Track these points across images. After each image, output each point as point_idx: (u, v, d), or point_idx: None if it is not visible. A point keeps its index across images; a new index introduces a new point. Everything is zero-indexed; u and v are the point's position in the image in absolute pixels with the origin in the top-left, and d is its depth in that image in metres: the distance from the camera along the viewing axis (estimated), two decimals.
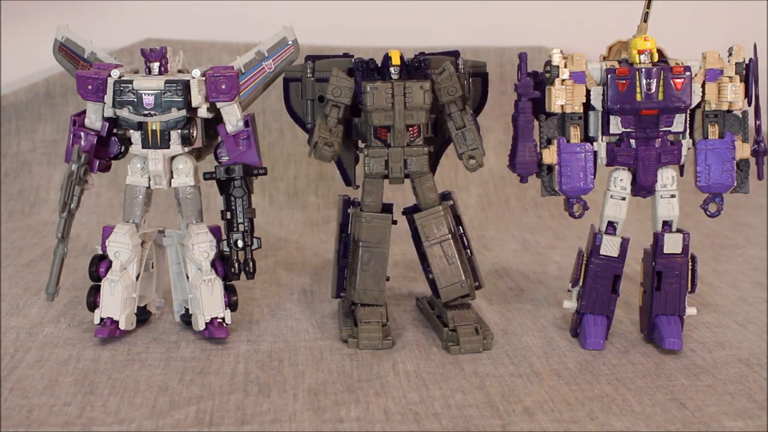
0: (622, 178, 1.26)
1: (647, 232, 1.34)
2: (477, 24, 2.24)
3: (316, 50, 1.56)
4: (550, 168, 1.27)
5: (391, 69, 1.27)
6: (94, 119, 1.27)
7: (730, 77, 1.23)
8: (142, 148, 1.26)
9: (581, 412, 1.10)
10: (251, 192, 1.27)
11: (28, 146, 2.09)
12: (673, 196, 1.26)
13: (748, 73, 1.23)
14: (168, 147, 1.26)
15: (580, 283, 1.29)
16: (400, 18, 2.21)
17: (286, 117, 1.44)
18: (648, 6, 1.27)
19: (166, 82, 1.23)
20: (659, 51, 1.24)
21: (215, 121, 1.29)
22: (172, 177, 1.29)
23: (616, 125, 1.24)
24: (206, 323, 1.29)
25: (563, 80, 1.23)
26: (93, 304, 1.28)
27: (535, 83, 1.25)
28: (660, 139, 1.24)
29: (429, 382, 1.17)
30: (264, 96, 1.42)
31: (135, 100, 1.23)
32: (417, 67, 1.27)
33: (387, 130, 1.28)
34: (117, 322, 1.27)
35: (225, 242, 1.28)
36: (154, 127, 1.24)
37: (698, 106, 1.25)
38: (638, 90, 1.21)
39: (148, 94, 1.23)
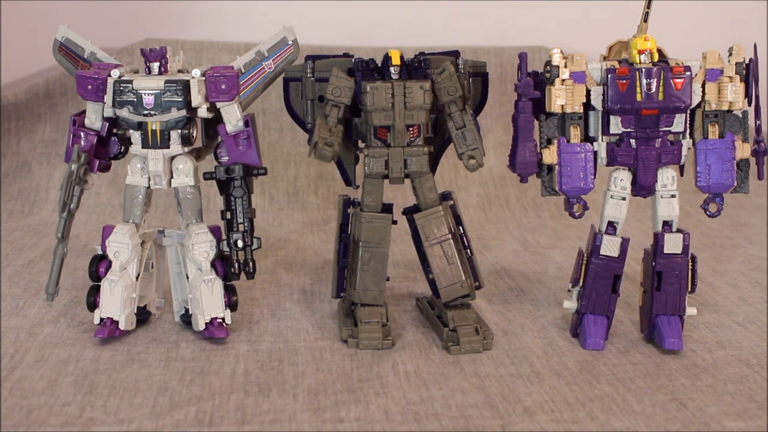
0: (622, 178, 1.26)
1: (647, 232, 1.34)
2: (477, 24, 2.24)
3: (316, 50, 1.56)
4: (550, 168, 1.27)
5: (391, 69, 1.27)
6: (93, 119, 1.27)
7: (730, 77, 1.23)
8: (142, 148, 1.26)
9: (581, 412, 1.10)
10: (251, 192, 1.27)
11: (28, 146, 2.09)
12: (673, 196, 1.26)
13: (748, 73, 1.23)
14: (168, 147, 1.26)
15: (580, 283, 1.29)
16: (400, 18, 2.21)
17: (286, 117, 1.44)
18: (648, 6, 1.27)
19: (166, 82, 1.23)
20: (659, 51, 1.24)
21: (215, 121, 1.29)
22: (172, 177, 1.29)
23: (616, 125, 1.24)
24: (206, 323, 1.29)
25: (563, 80, 1.23)
26: (93, 304, 1.28)
27: (535, 83, 1.25)
28: (660, 139, 1.24)
29: (429, 382, 1.17)
30: (264, 96, 1.42)
31: (135, 100, 1.23)
32: (417, 67, 1.27)
33: (387, 130, 1.28)
34: (117, 322, 1.27)
35: (225, 242, 1.27)
36: (154, 127, 1.24)
37: (698, 106, 1.25)
38: (638, 90, 1.21)
39: (148, 94, 1.23)
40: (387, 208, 1.33)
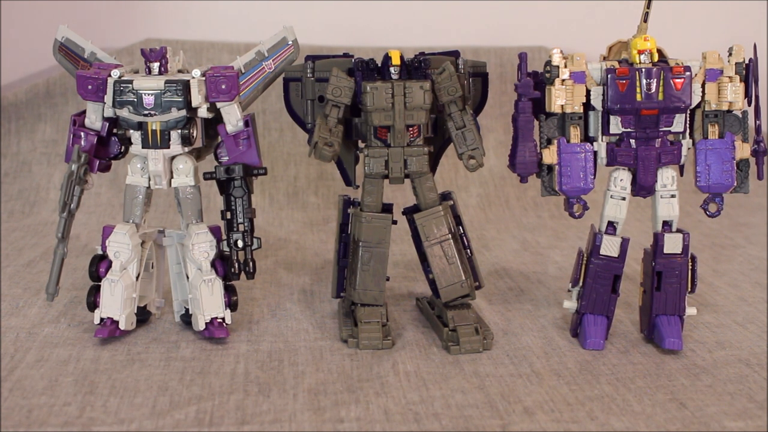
0: (622, 178, 1.26)
1: (647, 232, 1.34)
2: (477, 24, 2.24)
3: (316, 50, 1.56)
4: (550, 168, 1.27)
5: (391, 69, 1.27)
6: (94, 119, 1.27)
7: (730, 77, 1.23)
8: (142, 148, 1.26)
9: (581, 412, 1.10)
10: (251, 192, 1.27)
11: (28, 146, 2.09)
12: (673, 196, 1.26)
13: (748, 73, 1.23)
14: (168, 147, 1.26)
15: (580, 283, 1.29)
16: (400, 18, 2.21)
17: (286, 117, 1.44)
18: (648, 6, 1.27)
19: (166, 82, 1.23)
20: (659, 51, 1.24)
21: (215, 121, 1.29)
22: (172, 177, 1.29)
23: (616, 125, 1.24)
24: (206, 323, 1.29)
25: (563, 80, 1.23)
26: (93, 304, 1.28)
27: (535, 83, 1.25)
28: (660, 139, 1.24)
29: (429, 382, 1.17)
30: (264, 96, 1.42)
31: (135, 100, 1.23)
32: (417, 67, 1.27)
33: (387, 130, 1.28)
34: (117, 322, 1.27)
35: (225, 242, 1.27)
36: (154, 127, 1.24)
37: (698, 106, 1.25)
38: (638, 90, 1.21)
39: (148, 94, 1.23)
40: (387, 208, 1.33)
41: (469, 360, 1.24)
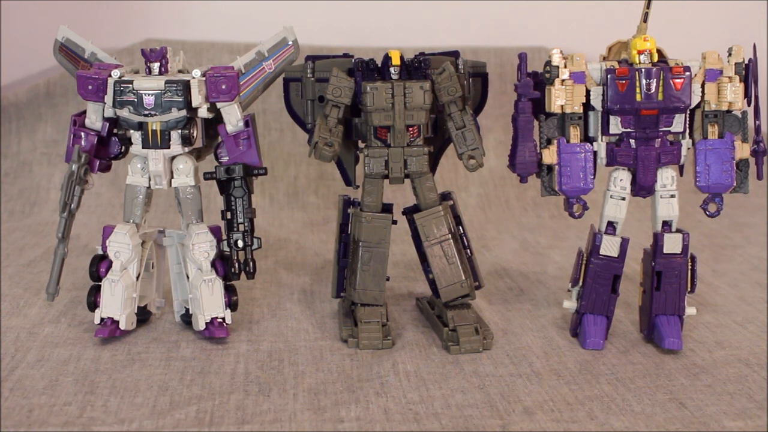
0: (622, 178, 1.26)
1: (647, 232, 1.34)
2: (477, 24, 2.24)
3: (316, 50, 1.56)
4: (550, 168, 1.27)
5: (391, 69, 1.27)
6: (94, 119, 1.27)
7: (729, 77, 1.23)
8: (143, 148, 1.26)
9: (581, 412, 1.10)
10: (251, 192, 1.27)
11: (28, 146, 2.09)
12: (672, 196, 1.26)
13: (747, 73, 1.23)
14: (168, 147, 1.26)
15: (580, 283, 1.29)
16: (400, 18, 2.21)
17: (286, 117, 1.44)
18: (648, 6, 1.27)
19: (167, 82, 1.23)
20: (659, 51, 1.24)
21: (215, 121, 1.29)
22: (172, 177, 1.29)
23: (615, 125, 1.24)
24: (206, 323, 1.29)
25: (563, 80, 1.23)
26: (93, 304, 1.28)
27: (535, 83, 1.25)
28: (660, 139, 1.24)
29: (429, 382, 1.17)
30: (264, 96, 1.42)
31: (135, 100, 1.23)
32: (417, 67, 1.27)
33: (387, 130, 1.28)
34: (117, 322, 1.27)
35: (225, 242, 1.28)
36: (154, 127, 1.25)
37: (698, 106, 1.25)
38: (638, 90, 1.21)
39: (149, 95, 1.23)
40: (387, 208, 1.33)
41: (469, 360, 1.24)
